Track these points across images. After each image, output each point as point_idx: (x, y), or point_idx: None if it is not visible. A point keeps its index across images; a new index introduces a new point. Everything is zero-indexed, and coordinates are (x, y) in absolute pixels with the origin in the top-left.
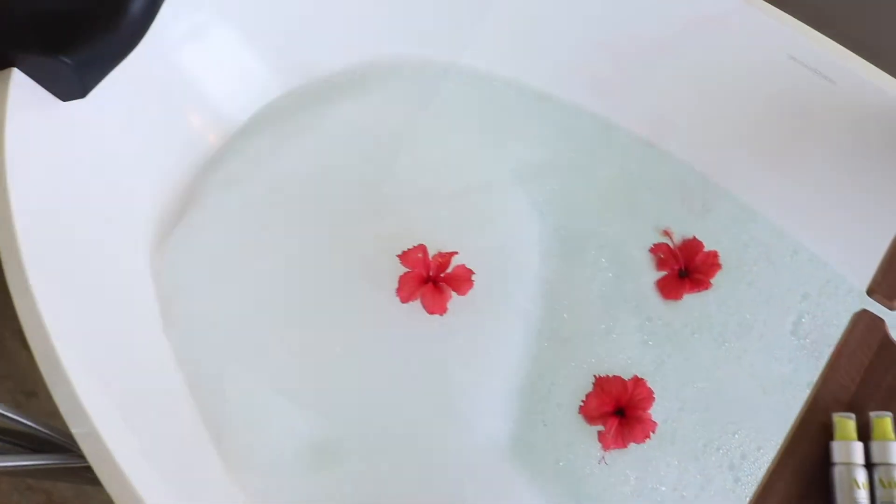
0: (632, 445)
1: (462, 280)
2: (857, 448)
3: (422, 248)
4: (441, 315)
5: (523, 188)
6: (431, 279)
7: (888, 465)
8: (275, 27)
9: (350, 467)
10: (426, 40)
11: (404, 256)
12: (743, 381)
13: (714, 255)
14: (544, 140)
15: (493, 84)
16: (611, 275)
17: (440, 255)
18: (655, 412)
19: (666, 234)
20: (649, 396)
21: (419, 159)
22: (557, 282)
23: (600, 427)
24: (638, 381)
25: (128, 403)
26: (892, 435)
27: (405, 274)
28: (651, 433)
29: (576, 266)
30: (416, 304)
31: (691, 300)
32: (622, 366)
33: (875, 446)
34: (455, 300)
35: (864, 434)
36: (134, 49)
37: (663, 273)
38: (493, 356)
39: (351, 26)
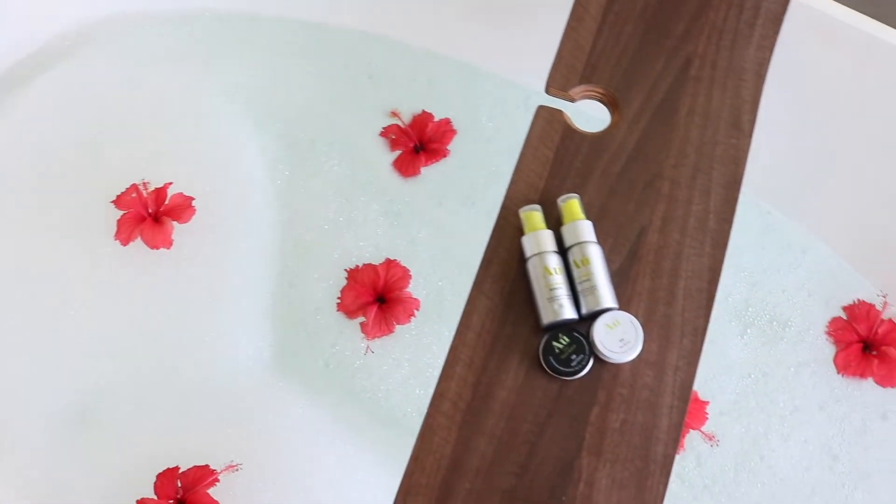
0: (398, 328)
1: (182, 208)
2: (546, 236)
3: (134, 188)
4: (168, 249)
5: (242, 107)
6: (151, 215)
7: (580, 243)
8: None
9: (108, 426)
10: None
11: (118, 201)
12: None
13: (446, 122)
14: (258, 58)
15: (196, 19)
16: (346, 169)
17: (146, 188)
18: (416, 290)
19: (394, 114)
20: (405, 275)
21: (131, 106)
22: (291, 189)
23: (363, 319)
24: (390, 263)
25: None
26: (581, 213)
27: (122, 216)
28: (415, 311)
29: (307, 169)
30: (141, 247)
31: (431, 172)
32: (372, 253)
33: (566, 230)
34: (181, 231)
35: (560, 224)
36: None
37: (398, 153)
38: (235, 277)
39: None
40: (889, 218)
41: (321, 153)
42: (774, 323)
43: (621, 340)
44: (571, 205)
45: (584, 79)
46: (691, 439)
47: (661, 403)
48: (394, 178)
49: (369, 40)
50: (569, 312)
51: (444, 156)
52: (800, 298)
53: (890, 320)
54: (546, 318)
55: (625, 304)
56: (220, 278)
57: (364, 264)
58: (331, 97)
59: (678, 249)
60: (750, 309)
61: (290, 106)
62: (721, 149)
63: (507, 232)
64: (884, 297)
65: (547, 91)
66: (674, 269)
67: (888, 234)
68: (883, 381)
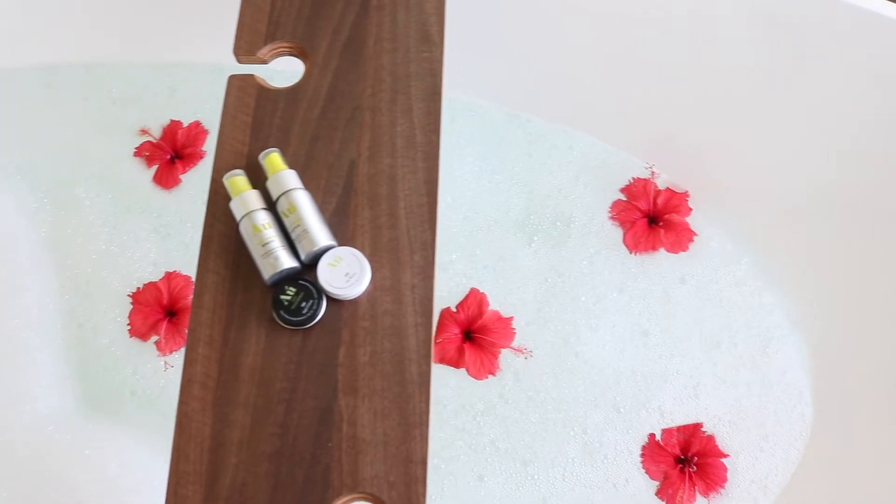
0: None
1: None
2: (251, 195)
3: None
4: None
5: None
6: None
7: (284, 193)
8: None
9: None
10: None
11: None
12: None
13: (196, 125)
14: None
15: None
16: (107, 198)
17: None
18: None
19: (143, 132)
20: (187, 284)
21: None
22: (57, 233)
23: (156, 337)
24: (170, 276)
25: None
26: (282, 165)
27: None
28: None
29: (69, 209)
30: None
31: (191, 176)
32: (152, 271)
33: (270, 184)
34: None
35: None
36: None
37: (155, 167)
38: (20, 335)
39: None
40: (638, 91)
41: (80, 190)
42: (558, 223)
43: (347, 275)
44: (271, 159)
45: (269, 38)
46: (504, 358)
47: (406, 324)
48: (156, 192)
49: (103, 68)
50: (287, 262)
51: (201, 158)
52: (577, 193)
53: (667, 189)
54: (266, 273)
55: (349, 239)
56: (2, 341)
57: (145, 284)
58: (77, 132)
59: (391, 172)
60: (531, 217)
61: (38, 153)
62: (415, 65)
63: (220, 205)
64: (650, 167)
65: (239, 60)
66: (391, 192)
67: (641, 109)
68: (673, 248)
